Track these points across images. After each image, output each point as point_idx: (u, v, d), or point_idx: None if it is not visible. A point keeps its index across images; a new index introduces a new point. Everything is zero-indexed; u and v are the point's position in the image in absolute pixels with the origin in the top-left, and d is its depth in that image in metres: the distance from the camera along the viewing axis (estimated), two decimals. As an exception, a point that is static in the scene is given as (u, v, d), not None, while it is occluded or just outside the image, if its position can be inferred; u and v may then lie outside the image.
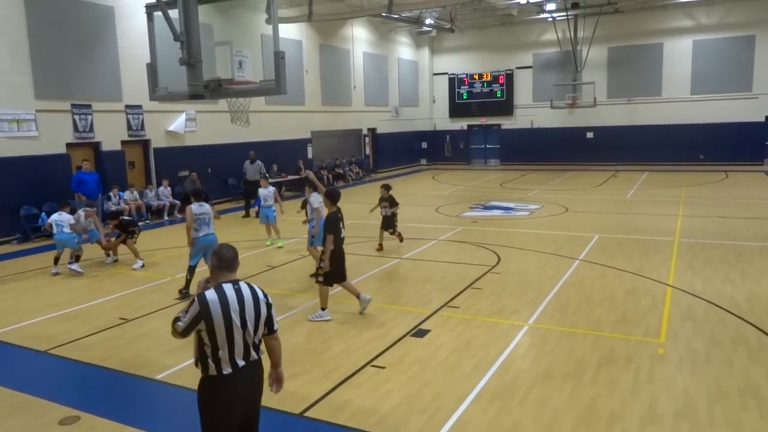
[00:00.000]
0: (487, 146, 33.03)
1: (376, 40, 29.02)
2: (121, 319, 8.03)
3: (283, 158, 22.03)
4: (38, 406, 5.53)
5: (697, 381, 5.65)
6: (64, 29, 14.84)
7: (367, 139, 29.00)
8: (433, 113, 34.17)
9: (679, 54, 27.87)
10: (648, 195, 19.00)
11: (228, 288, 3.65)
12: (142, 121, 17.05)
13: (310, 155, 24.35)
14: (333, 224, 7.58)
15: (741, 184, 21.14)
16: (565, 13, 27.26)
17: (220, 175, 19.78)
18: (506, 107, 31.93)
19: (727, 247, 11.31)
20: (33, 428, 5.14)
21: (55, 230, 10.49)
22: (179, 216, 17.19)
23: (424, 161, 33.57)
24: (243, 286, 3.71)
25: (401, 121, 31.24)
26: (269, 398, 5.53)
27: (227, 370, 3.65)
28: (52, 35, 14.57)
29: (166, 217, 16.80)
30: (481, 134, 33.34)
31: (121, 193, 15.81)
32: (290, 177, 22.01)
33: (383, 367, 6.15)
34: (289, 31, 22.25)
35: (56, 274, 10.64)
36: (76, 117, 15.26)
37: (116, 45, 16.18)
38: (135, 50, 16.12)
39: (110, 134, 16.22)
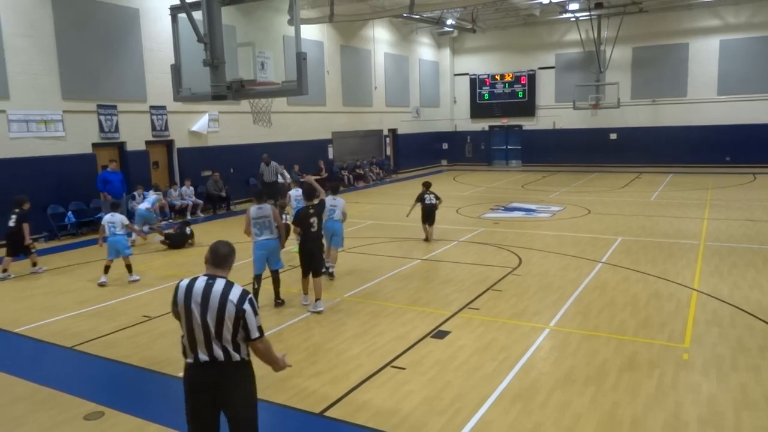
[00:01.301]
0: (509, 147, 32.82)
1: (397, 40, 29.02)
2: (145, 316, 8.14)
3: (305, 159, 22.14)
4: (64, 402, 5.63)
5: (723, 388, 5.54)
6: (90, 31, 15.11)
7: (387, 139, 29.02)
8: (454, 114, 34.06)
9: (705, 54, 27.38)
10: (672, 197, 18.71)
11: (201, 281, 3.69)
12: (166, 121, 17.28)
13: (330, 156, 24.44)
14: (299, 219, 8.13)
15: (769, 186, 20.71)
16: (588, 13, 26.98)
17: (242, 176, 19.95)
18: (528, 108, 31.68)
19: (754, 251, 11.08)
20: (58, 423, 5.23)
21: (107, 232, 9.90)
22: (201, 215, 17.38)
23: (444, 162, 33.47)
24: (218, 282, 3.67)
25: (422, 121, 31.20)
26: (290, 397, 5.58)
27: (189, 359, 3.74)
28: (78, 37, 14.84)
29: (189, 217, 16.99)
30: (502, 135, 33.13)
31: (145, 192, 16.00)
32: (313, 177, 22.07)
33: (403, 368, 6.15)
34: (310, 33, 22.37)
35: (103, 284, 9.77)
36: (102, 118, 15.52)
37: (141, 47, 16.42)
38: (159, 52, 16.35)
39: (135, 134, 16.47)
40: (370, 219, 15.98)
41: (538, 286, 9.08)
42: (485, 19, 29.03)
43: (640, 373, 5.90)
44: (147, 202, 13.68)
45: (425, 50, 31.68)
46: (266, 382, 5.90)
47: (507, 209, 17.12)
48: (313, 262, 8.15)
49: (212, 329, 3.61)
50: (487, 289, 8.97)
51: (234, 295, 3.64)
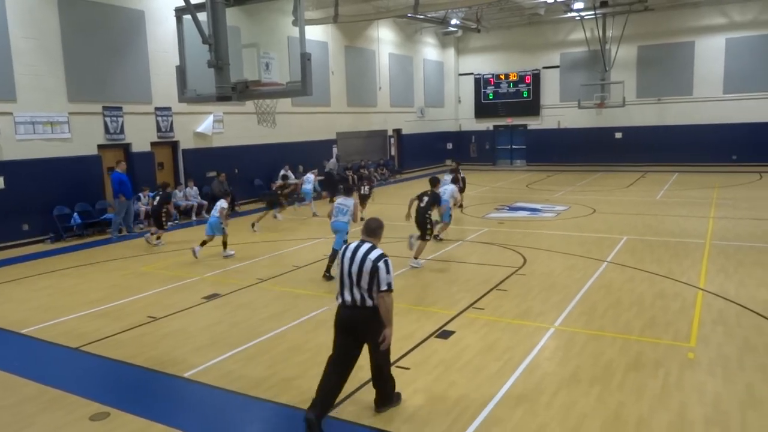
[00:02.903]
0: (513, 147, 32.77)
1: (401, 41, 29.02)
2: (150, 317, 8.17)
3: (309, 159, 22.15)
4: (70, 402, 5.66)
5: (729, 387, 5.52)
6: (96, 33, 15.18)
7: (392, 139, 29.02)
8: (459, 114, 34.04)
9: (711, 52, 27.25)
10: (678, 196, 18.63)
11: (354, 244, 5.16)
12: (171, 122, 17.34)
13: (334, 156, 24.43)
14: (420, 195, 11.14)
15: (776, 185, 20.60)
16: (593, 12, 26.90)
17: (246, 176, 19.99)
18: (533, 107, 31.62)
19: (761, 250, 11.03)
20: (65, 424, 5.26)
21: (215, 214, 11.86)
22: (206, 216, 17.40)
23: (449, 162, 33.42)
24: (365, 246, 5.11)
25: (426, 121, 31.18)
26: (294, 397, 5.59)
27: (338, 301, 5.11)
28: (84, 40, 14.91)
29: (194, 217, 17.05)
30: (506, 135, 33.08)
31: (150, 194, 16.07)
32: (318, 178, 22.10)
33: (408, 368, 6.15)
34: (315, 33, 22.39)
35: (195, 253, 11.71)
36: (108, 119, 15.59)
37: (146, 48, 16.48)
38: (164, 53, 16.40)
39: (140, 136, 16.54)
40: (375, 219, 15.93)
41: (542, 286, 9.07)
42: (489, 18, 28.99)
43: (646, 372, 5.88)
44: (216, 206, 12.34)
45: (429, 50, 31.66)
46: (270, 383, 5.93)
47: (512, 209, 17.10)
48: (419, 228, 10.77)
49: (354, 278, 4.94)
50: (492, 289, 8.96)
51: (373, 255, 5.00)
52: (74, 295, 9.47)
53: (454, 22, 27.77)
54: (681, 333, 6.95)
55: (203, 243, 11.89)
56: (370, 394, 5.59)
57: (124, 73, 15.95)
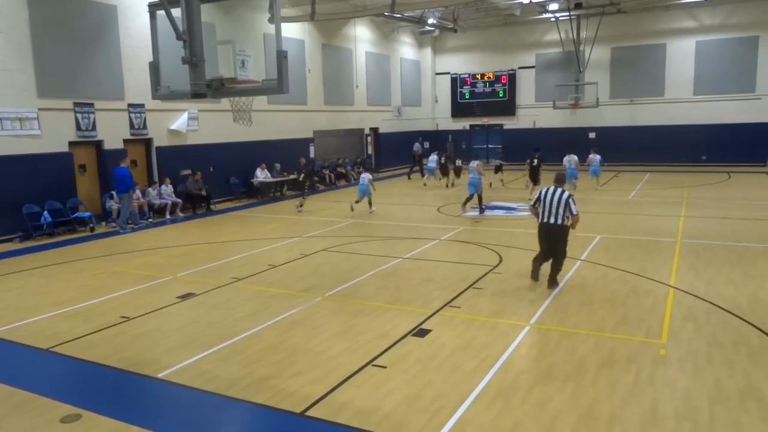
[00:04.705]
0: (489, 146, 33.00)
1: (378, 39, 29.02)
2: (123, 317, 8.05)
3: (285, 158, 22.03)
4: (40, 405, 5.54)
5: (698, 382, 5.64)
6: (66, 28, 14.87)
7: (369, 138, 29.00)
8: (436, 113, 34.16)
9: (681, 55, 27.83)
10: (650, 196, 18.97)
11: (552, 188, 8.73)
12: (145, 119, 17.08)
13: (312, 154, 24.35)
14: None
15: (744, 185, 21.10)
16: (567, 13, 27.24)
17: (222, 174, 19.80)
18: (508, 107, 31.91)
19: (729, 248, 11.29)
20: (35, 426, 5.15)
21: (362, 182, 16.56)
22: (181, 215, 17.23)
23: (425, 161, 33.47)
24: (558, 189, 8.70)
25: (403, 120, 31.23)
26: (270, 397, 5.56)
27: (542, 221, 8.79)
28: (54, 34, 14.59)
29: (168, 216, 16.83)
30: (483, 134, 33.32)
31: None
32: (292, 176, 21.99)
33: (384, 367, 6.16)
34: (291, 31, 22.27)
35: (353, 208, 16.21)
36: (79, 115, 15.29)
37: (119, 43, 16.20)
38: (138, 49, 16.14)
39: (112, 133, 16.24)
40: (352, 218, 15.96)
41: (518, 284, 9.16)
42: (466, 18, 29.16)
43: (618, 369, 5.98)
44: (365, 176, 16.93)
45: (406, 49, 31.71)
46: (245, 383, 5.88)
47: (488, 208, 17.21)
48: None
49: (554, 207, 8.59)
50: (468, 288, 9.02)
51: (565, 194, 8.63)
52: (44, 295, 9.27)
53: (430, 21, 27.87)
54: (653, 330, 7.08)
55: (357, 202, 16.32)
56: (345, 393, 5.59)
57: (96, 68, 15.66)
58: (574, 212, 8.56)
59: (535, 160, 18.89)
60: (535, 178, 18.59)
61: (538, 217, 8.89)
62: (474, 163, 16.78)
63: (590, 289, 8.81)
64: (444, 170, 23.19)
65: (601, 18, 27.43)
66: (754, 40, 26.41)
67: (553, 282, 8.90)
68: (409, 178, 26.43)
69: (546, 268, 9.10)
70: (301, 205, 17.53)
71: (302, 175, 17.81)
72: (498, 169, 24.05)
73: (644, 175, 24.97)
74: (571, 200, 8.57)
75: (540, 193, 8.85)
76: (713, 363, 6.08)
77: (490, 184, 17.42)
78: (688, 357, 6.24)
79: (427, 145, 33.42)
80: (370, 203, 16.74)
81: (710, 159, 27.37)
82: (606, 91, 29.15)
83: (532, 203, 9.25)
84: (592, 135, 29.45)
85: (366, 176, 17.03)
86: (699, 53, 27.48)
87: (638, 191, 20.21)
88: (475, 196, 16.11)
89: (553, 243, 8.77)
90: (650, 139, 28.40)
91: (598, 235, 12.70)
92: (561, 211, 8.55)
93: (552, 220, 8.61)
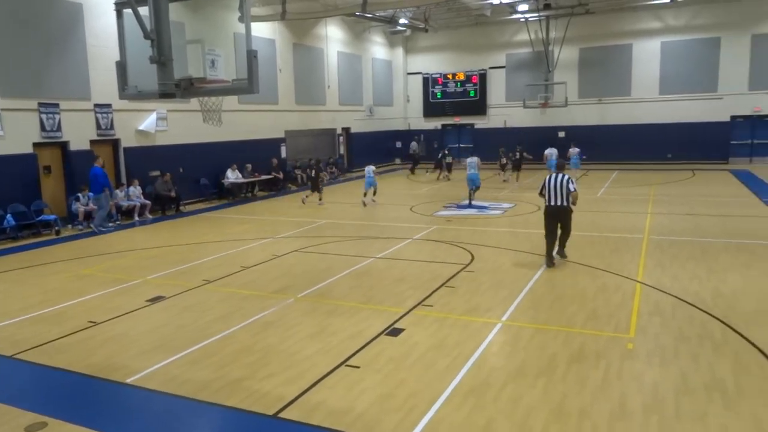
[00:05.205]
0: (461, 145, 33.23)
1: (350, 39, 28.97)
2: (91, 321, 7.88)
3: (257, 158, 21.86)
4: (3, 413, 5.40)
5: (665, 375, 5.77)
6: (30, 26, 14.50)
7: (341, 138, 28.94)
8: (407, 113, 34.27)
9: (647, 55, 28.43)
10: (618, 193, 19.33)
11: (554, 175, 9.93)
12: (112, 120, 16.75)
13: (284, 155, 24.20)
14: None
15: (707, 182, 21.65)
16: (537, 14, 27.59)
17: (192, 175, 19.54)
18: (480, 107, 32.20)
19: (694, 244, 11.57)
20: (-2, 435, 5.02)
21: (368, 174, 18.30)
22: (150, 216, 16.96)
23: (398, 161, 33.61)
24: (560, 175, 9.89)
25: (375, 120, 31.25)
26: (242, 400, 5.51)
27: (548, 203, 9.99)
28: (18, 32, 14.22)
29: (136, 218, 16.54)
30: (454, 134, 33.55)
31: (90, 194, 15.51)
32: (264, 177, 21.85)
33: (357, 367, 6.16)
34: (262, 30, 22.10)
35: (365, 203, 17.68)
36: (43, 116, 14.92)
37: (85, 42, 15.86)
38: (104, 48, 15.82)
39: (78, 134, 15.90)
40: (324, 218, 15.92)
41: (490, 282, 9.24)
42: (437, 18, 29.30)
43: (588, 364, 6.08)
44: (369, 170, 18.53)
45: (378, 49, 31.73)
46: (217, 386, 5.82)
47: (460, 207, 17.34)
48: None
49: (558, 190, 9.79)
50: (441, 286, 9.07)
51: (565, 179, 9.81)
52: (9, 300, 9.03)
53: (402, 21, 27.92)
54: (621, 325, 7.22)
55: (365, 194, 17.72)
56: (319, 394, 5.58)
57: (61, 68, 15.31)
58: (572, 189, 9.78)
59: (518, 153, 22.04)
60: (518, 168, 22.21)
61: (545, 202, 10.14)
62: (473, 159, 17.82)
63: (561, 286, 8.94)
64: (438, 165, 25.44)
65: (569, 19, 27.85)
66: (716, 41, 27.12)
67: (563, 254, 10.42)
68: (413, 173, 28.23)
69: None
70: (320, 199, 18.52)
71: (314, 171, 18.75)
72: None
73: (612, 173, 25.43)
74: (570, 181, 9.87)
75: (545, 181, 10.09)
76: (679, 356, 6.22)
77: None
78: (655, 351, 6.38)
79: (399, 144, 33.60)
80: (367, 193, 18.11)
81: (675, 157, 28.02)
82: (575, 90, 29.62)
83: (538, 191, 10.39)
84: (561, 134, 29.87)
85: (371, 168, 18.42)
86: (664, 54, 28.11)
87: (606, 189, 20.57)
88: (471, 189, 17.56)
89: (561, 221, 10.07)
90: (618, 137, 28.95)
91: (568, 233, 12.88)
92: (564, 193, 9.80)
93: (558, 203, 9.87)
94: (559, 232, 10.21)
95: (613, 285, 8.92)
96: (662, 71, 28.20)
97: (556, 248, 10.31)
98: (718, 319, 7.31)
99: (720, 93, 27.32)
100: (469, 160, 18.00)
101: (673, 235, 12.46)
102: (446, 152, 26.23)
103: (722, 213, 14.91)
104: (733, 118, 27.47)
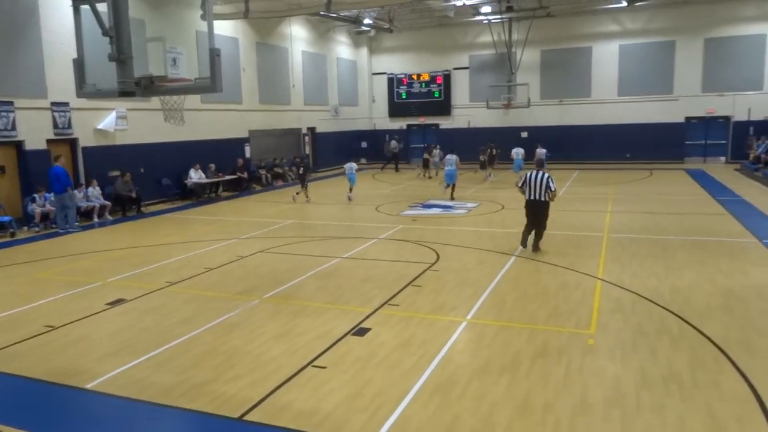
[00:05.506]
0: (426, 145, 33.39)
1: (314, 39, 28.84)
2: (48, 326, 7.66)
3: (221, 158, 21.56)
4: (-44, 422, 5.21)
5: (625, 369, 5.93)
6: (-19, 21, 14.00)
7: (306, 138, 28.79)
8: (373, 113, 34.30)
9: (606, 57, 29.13)
10: (579, 192, 19.75)
11: (534, 172, 10.75)
12: (69, 118, 16.29)
13: (248, 154, 23.94)
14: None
15: (664, 181, 22.30)
16: (499, 16, 27.96)
17: (153, 175, 19.16)
18: (444, 107, 32.46)
19: (652, 241, 11.91)
20: (-50, 445, 4.84)
21: (348, 172, 19.27)
22: (110, 218, 16.56)
23: (364, 161, 33.58)
24: (540, 172, 10.72)
25: (341, 120, 31.18)
26: (207, 403, 5.44)
27: (528, 198, 10.87)
28: (-33, 27, 13.71)
29: (96, 219, 16.12)
30: (420, 134, 33.73)
31: (46, 195, 15.07)
32: (228, 177, 21.57)
33: (324, 367, 6.14)
34: (224, 29, 21.80)
35: (350, 198, 18.71)
36: (-4, 114, 14.43)
37: (40, 39, 15.38)
38: (61, 45, 15.39)
39: (34, 132, 15.41)
40: (290, 218, 15.81)
41: (455, 281, 9.33)
42: (401, 19, 29.42)
43: (551, 360, 6.20)
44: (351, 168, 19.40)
45: (343, 49, 31.67)
46: (181, 389, 5.73)
47: (425, 206, 17.45)
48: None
49: (538, 187, 10.62)
50: (407, 285, 9.11)
51: (545, 176, 10.58)
52: (-41, 306, 8.69)
53: (366, 21, 27.95)
54: (582, 321, 7.38)
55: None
56: (285, 395, 5.55)
57: (16, 65, 14.81)
58: (553, 188, 10.69)
59: (491, 150, 24.14)
60: (491, 164, 24.13)
61: (525, 195, 10.98)
62: (452, 157, 18.81)
63: (524, 284, 9.09)
64: (425, 164, 26.26)
65: (531, 21, 28.33)
66: (671, 44, 27.97)
67: (536, 248, 11.08)
68: (397, 170, 29.13)
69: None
70: (307, 197, 19.07)
71: (301, 169, 19.33)
72: (425, 163, 26.40)
73: (573, 173, 25.95)
74: (550, 180, 10.68)
75: (525, 177, 10.97)
76: (638, 351, 6.40)
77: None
78: (616, 346, 6.55)
79: (364, 144, 33.63)
80: (352, 189, 19.06)
81: (634, 157, 28.79)
82: (537, 91, 30.13)
83: (519, 185, 11.16)
84: (524, 134, 30.34)
85: (353, 165, 19.39)
86: (622, 56, 28.85)
87: (568, 188, 20.98)
88: (451, 185, 18.62)
89: (538, 215, 10.91)
90: (579, 138, 29.57)
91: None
92: (543, 189, 10.66)
93: (537, 197, 10.74)
94: (535, 228, 11.12)
95: (574, 282, 9.11)
96: (620, 73, 28.94)
97: (533, 241, 11.16)
98: (675, 314, 7.55)
99: (675, 95, 28.19)
100: (447, 157, 19.09)
101: (632, 233, 12.80)
102: (393, 151, 27.82)
103: (678, 211, 15.38)
104: (688, 119, 28.37)
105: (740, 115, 27.48)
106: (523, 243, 11.24)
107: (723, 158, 28.44)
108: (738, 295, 8.30)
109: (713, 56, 27.40)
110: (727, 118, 27.85)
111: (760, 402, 5.20)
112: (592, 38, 29.21)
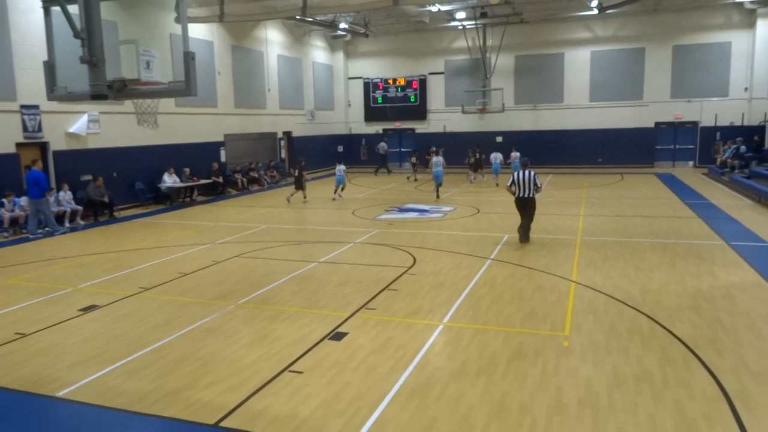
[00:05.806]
0: (402, 150, 33.56)
1: (290, 42, 28.76)
2: (18, 333, 7.49)
3: (196, 162, 21.34)
4: None
5: (599, 370, 6.04)
6: (-54, 22, 13.67)
7: (282, 142, 28.66)
8: (349, 117, 34.32)
9: (578, 63, 29.63)
10: (552, 196, 20.02)
11: (521, 171, 12.09)
12: (40, 122, 15.98)
13: (223, 158, 23.74)
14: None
15: (634, 185, 22.73)
16: (474, 22, 28.25)
17: (126, 179, 18.87)
18: (420, 112, 32.64)
19: (623, 244, 12.14)
20: None
21: (337, 173, 20.29)
22: (82, 223, 16.27)
23: (340, 164, 33.51)
24: (526, 171, 12.09)
25: (317, 124, 31.12)
26: (182, 410, 5.38)
27: (518, 195, 12.18)
28: (-68, 28, 13.36)
29: (67, 224, 15.81)
30: (396, 138, 33.83)
31: (16, 199, 14.75)
32: (203, 181, 21.36)
33: (301, 372, 6.12)
34: (199, 32, 21.64)
35: (335, 198, 19.94)
36: (-38, 117, 14.09)
37: (9, 40, 15.07)
38: (31, 47, 15.10)
39: (2, 136, 15.07)
40: (265, 223, 15.72)
41: (432, 284, 9.38)
42: (377, 24, 29.51)
43: (527, 362, 6.28)
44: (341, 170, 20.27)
45: (319, 53, 31.65)
46: (155, 397, 5.66)
47: (401, 210, 17.51)
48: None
49: (526, 185, 11.99)
50: (383, 289, 9.14)
51: (532, 174, 12.00)
52: (-76, 314, 8.45)
53: (342, 26, 27.97)
54: (557, 323, 7.49)
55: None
56: (262, 401, 5.52)
57: (-18, 67, 14.49)
58: (539, 185, 12.14)
59: (478, 154, 24.78)
60: (476, 168, 24.74)
61: (513, 194, 12.27)
62: (439, 159, 20.37)
63: (499, 287, 9.18)
64: (414, 168, 27.08)
65: (505, 27, 28.68)
66: (641, 51, 28.57)
67: (527, 238, 12.31)
68: (376, 174, 29.42)
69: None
70: (305, 197, 19.59)
71: (297, 170, 19.52)
72: (414, 165, 27.02)
73: (547, 177, 26.28)
74: (536, 177, 12.09)
75: (513, 177, 12.23)
76: (611, 351, 6.52)
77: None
78: (589, 347, 6.66)
79: (340, 149, 33.60)
80: (337, 190, 20.17)
81: (605, 161, 29.30)
82: (511, 96, 30.49)
83: (508, 185, 12.44)
84: (499, 139, 30.64)
85: (342, 167, 20.34)
86: (594, 62, 29.38)
87: (541, 192, 21.21)
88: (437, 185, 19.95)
89: (528, 209, 12.29)
90: (552, 142, 30.00)
91: (506, 235, 13.25)
92: (531, 186, 12.02)
93: (525, 194, 12.10)
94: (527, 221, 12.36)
95: (549, 285, 9.23)
96: (592, 79, 29.47)
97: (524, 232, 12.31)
98: (645, 314, 7.71)
99: (645, 101, 28.80)
100: (434, 159, 20.47)
101: (604, 235, 13.02)
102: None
103: (648, 214, 15.70)
104: (657, 124, 29.00)
105: (707, 121, 28.20)
106: (521, 239, 12.31)
107: (691, 163, 29.12)
108: (706, 295, 8.51)
109: (681, 63, 28.07)
110: (695, 124, 28.55)
111: (728, 400, 5.34)
112: (565, 44, 29.69)
